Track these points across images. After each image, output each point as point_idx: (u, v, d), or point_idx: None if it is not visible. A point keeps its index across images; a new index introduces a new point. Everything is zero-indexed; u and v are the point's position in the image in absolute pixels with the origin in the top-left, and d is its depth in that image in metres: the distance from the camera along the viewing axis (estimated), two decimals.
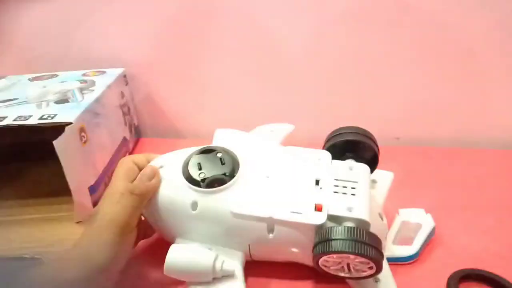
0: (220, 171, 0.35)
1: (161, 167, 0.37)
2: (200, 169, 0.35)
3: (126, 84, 0.60)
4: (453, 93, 0.55)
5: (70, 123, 0.41)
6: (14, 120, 0.41)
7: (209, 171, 0.35)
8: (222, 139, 0.40)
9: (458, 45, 0.51)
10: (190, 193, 0.35)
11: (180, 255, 0.33)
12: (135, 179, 0.36)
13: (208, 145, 0.38)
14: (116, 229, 0.33)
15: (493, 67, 0.52)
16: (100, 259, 0.32)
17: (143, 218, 0.40)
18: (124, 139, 0.58)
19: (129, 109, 0.61)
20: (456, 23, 0.50)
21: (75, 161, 0.42)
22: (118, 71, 0.58)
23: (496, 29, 0.50)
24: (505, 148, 0.54)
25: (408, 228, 0.39)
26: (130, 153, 0.61)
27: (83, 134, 0.44)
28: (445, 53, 0.52)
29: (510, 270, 0.35)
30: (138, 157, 0.39)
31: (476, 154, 0.53)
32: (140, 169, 0.38)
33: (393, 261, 0.36)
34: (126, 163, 0.37)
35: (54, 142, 0.39)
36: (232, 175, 0.35)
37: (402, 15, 0.51)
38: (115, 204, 0.34)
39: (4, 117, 0.42)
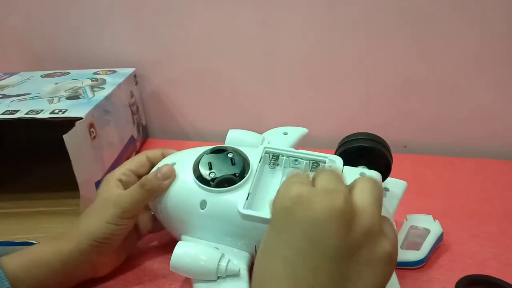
0: (230, 171, 0.35)
1: (173, 164, 0.37)
2: (210, 168, 0.36)
3: (136, 84, 0.61)
4: (460, 103, 0.55)
5: (80, 118, 0.42)
6: (26, 113, 0.42)
7: (219, 171, 0.35)
8: (234, 140, 0.40)
9: (464, 55, 0.52)
10: (199, 192, 0.35)
11: (187, 252, 0.33)
12: (145, 172, 0.38)
13: (220, 145, 0.38)
14: (117, 212, 0.34)
15: (503, 78, 0.52)
16: (96, 233, 0.33)
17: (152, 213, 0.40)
18: (132, 137, 0.58)
19: (137, 108, 0.61)
20: (457, 34, 0.50)
21: (83, 156, 0.43)
22: (129, 71, 0.59)
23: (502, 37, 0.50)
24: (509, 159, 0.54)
25: (416, 233, 0.39)
26: (137, 152, 0.61)
27: (92, 130, 0.44)
28: (453, 63, 0.52)
29: None
30: (154, 152, 0.40)
31: (482, 164, 0.54)
32: (153, 164, 0.39)
33: (401, 265, 0.36)
34: (139, 156, 0.39)
35: (64, 136, 0.39)
36: (242, 175, 0.35)
37: (409, 27, 0.51)
38: (118, 188, 0.36)
39: (17, 110, 0.42)
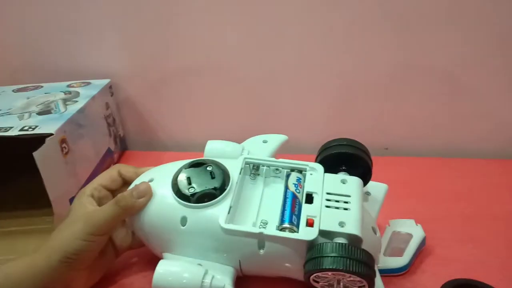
0: (210, 185, 0.34)
1: (150, 180, 0.36)
2: (189, 183, 0.35)
3: (112, 95, 0.59)
4: (441, 104, 0.55)
5: (51, 135, 0.41)
6: None
7: (198, 186, 0.34)
8: (213, 151, 0.39)
9: (448, 57, 0.52)
10: (179, 209, 0.34)
11: (169, 270, 0.32)
12: (117, 187, 0.38)
13: (198, 159, 0.37)
14: (88, 229, 0.33)
15: (482, 80, 0.53)
16: (67, 248, 0.33)
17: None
18: (109, 150, 0.57)
19: (114, 120, 0.60)
20: (445, 39, 0.51)
21: (55, 172, 0.42)
22: (104, 82, 0.57)
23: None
24: (494, 158, 0.54)
25: (398, 238, 0.39)
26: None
27: (64, 145, 0.43)
28: (434, 64, 0.53)
29: (500, 280, 0.35)
30: (127, 168, 0.39)
31: (464, 164, 0.53)
32: (125, 181, 0.38)
33: (384, 272, 0.36)
34: (111, 171, 0.38)
35: (34, 154, 0.38)
36: (222, 189, 0.34)
37: (396, 34, 0.51)
38: (91, 204, 0.35)
39: None
